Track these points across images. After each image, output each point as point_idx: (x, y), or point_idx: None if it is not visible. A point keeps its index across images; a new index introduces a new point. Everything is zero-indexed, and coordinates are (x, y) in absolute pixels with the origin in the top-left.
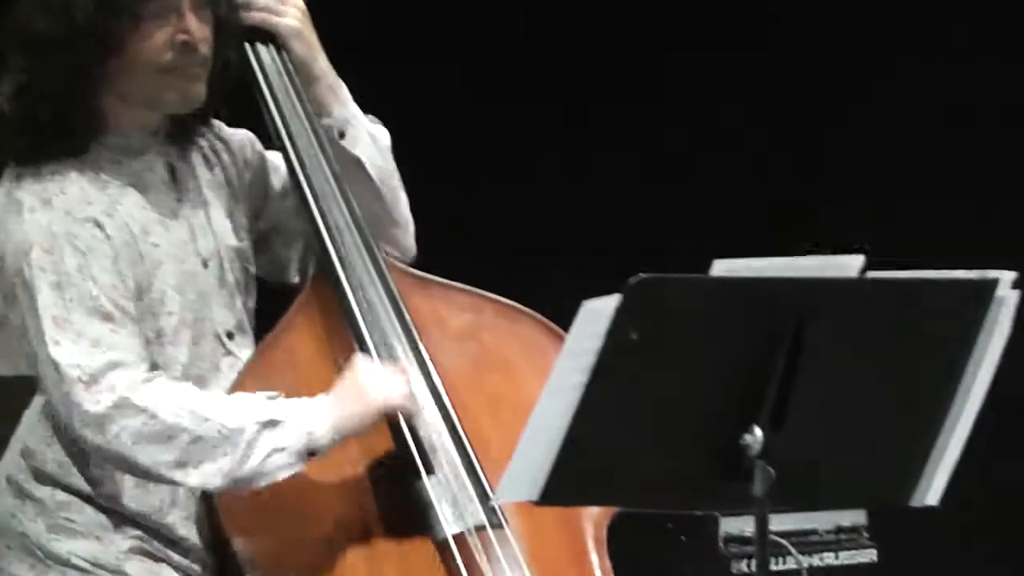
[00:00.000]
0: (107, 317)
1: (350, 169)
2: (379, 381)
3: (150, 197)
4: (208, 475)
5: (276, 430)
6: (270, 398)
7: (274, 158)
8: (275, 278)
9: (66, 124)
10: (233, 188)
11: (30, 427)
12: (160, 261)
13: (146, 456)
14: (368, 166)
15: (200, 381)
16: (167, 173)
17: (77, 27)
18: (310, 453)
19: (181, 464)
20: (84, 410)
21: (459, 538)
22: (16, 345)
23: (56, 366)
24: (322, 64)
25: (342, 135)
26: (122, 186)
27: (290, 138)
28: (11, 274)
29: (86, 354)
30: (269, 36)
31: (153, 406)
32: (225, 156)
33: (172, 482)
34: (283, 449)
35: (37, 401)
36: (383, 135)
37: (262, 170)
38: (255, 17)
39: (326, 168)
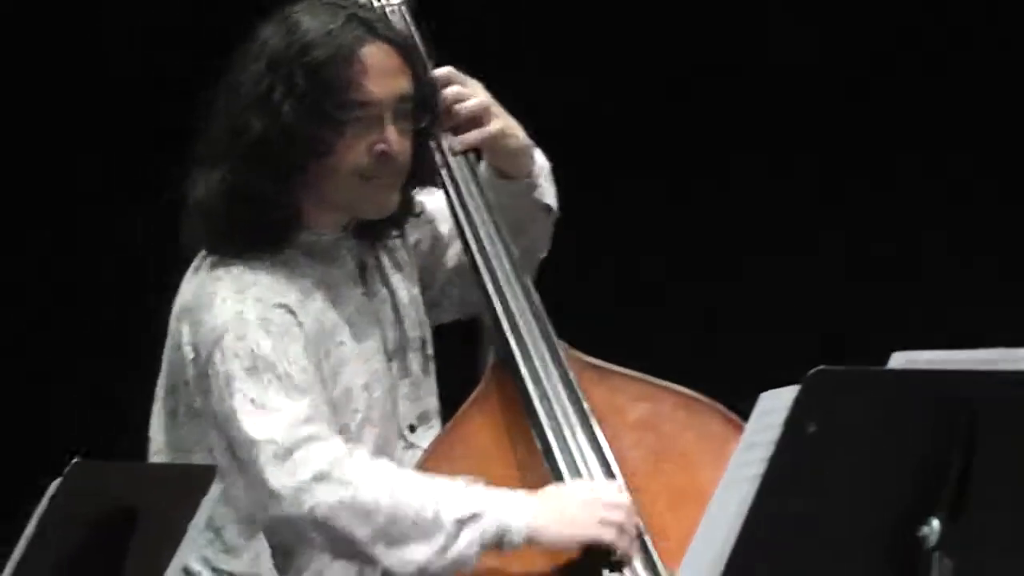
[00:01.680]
0: (302, 393)
1: (534, 213)
2: (598, 510)
3: (339, 295)
4: (403, 561)
5: (473, 524)
6: (469, 483)
7: (437, 215)
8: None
9: (266, 223)
10: (411, 269)
11: (212, 520)
12: (347, 360)
13: (343, 530)
14: (555, 209)
15: None
16: (356, 269)
17: (289, 132)
18: (497, 546)
19: (375, 541)
20: (281, 484)
21: None
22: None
23: (251, 443)
24: (519, 136)
25: (533, 188)
26: (313, 283)
27: (472, 229)
28: (203, 363)
29: (282, 429)
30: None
31: (354, 481)
32: (401, 237)
33: (368, 559)
34: (477, 542)
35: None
36: (547, 165)
37: (435, 242)
38: (469, 140)
39: (505, 258)
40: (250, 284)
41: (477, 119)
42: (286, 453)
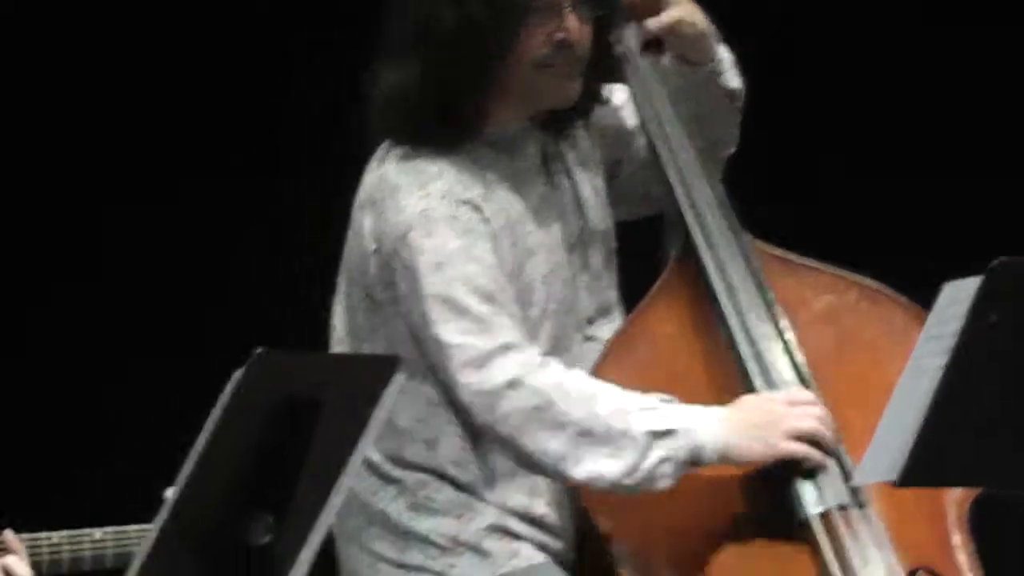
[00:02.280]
0: (490, 298)
1: (719, 101)
2: (790, 423)
3: (523, 187)
4: (593, 475)
5: (667, 440)
6: (664, 401)
7: (622, 107)
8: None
9: (453, 115)
10: (595, 162)
11: (391, 409)
12: (532, 252)
13: (532, 441)
14: (740, 93)
15: None
16: (540, 162)
17: (475, 23)
18: (692, 464)
19: (566, 456)
20: (475, 390)
21: (823, 518)
22: (392, 329)
23: (443, 346)
24: (700, 22)
25: (717, 75)
26: (497, 176)
27: (656, 121)
28: (388, 256)
29: (475, 335)
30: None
31: (547, 391)
32: (585, 130)
33: (556, 473)
34: (670, 460)
35: (397, 382)
36: (730, 56)
37: (620, 136)
38: (650, 29)
39: (690, 149)
40: (435, 178)
41: (657, 7)
42: (480, 360)
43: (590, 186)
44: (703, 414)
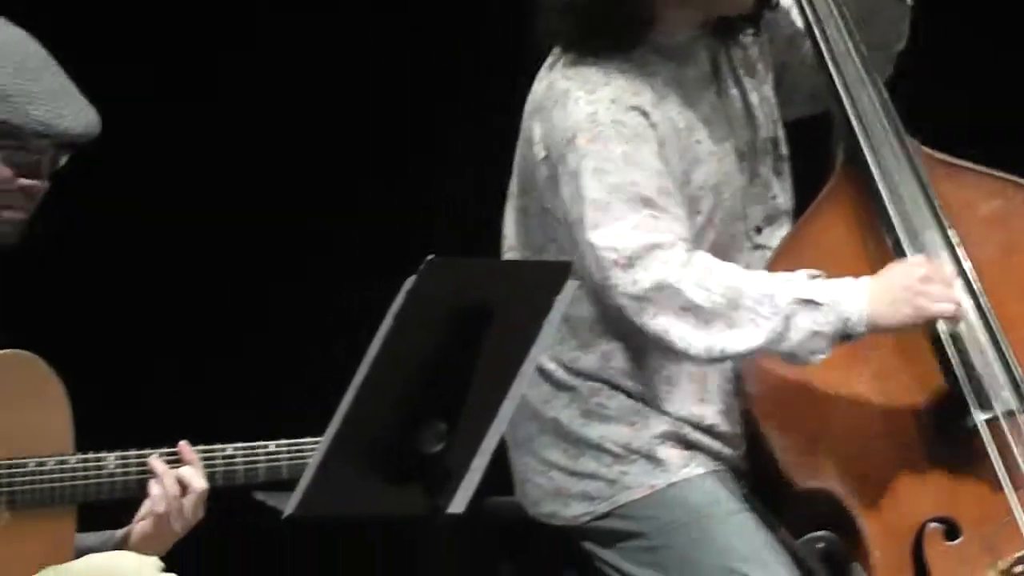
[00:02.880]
0: (648, 203)
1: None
2: (932, 287)
3: (692, 94)
4: (744, 349)
5: (814, 311)
6: (811, 276)
7: (790, 11)
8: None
9: (624, 19)
10: (764, 69)
11: (563, 318)
12: (700, 160)
13: (683, 337)
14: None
15: None
16: (710, 70)
17: None
18: (842, 338)
19: (714, 346)
20: (622, 292)
21: (990, 424)
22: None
23: (594, 248)
24: None
25: None
26: (666, 83)
27: (819, 25)
28: (554, 161)
29: (624, 237)
30: None
31: (693, 289)
32: (755, 37)
33: (711, 361)
34: (819, 333)
35: (570, 289)
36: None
37: (787, 40)
38: None
39: (855, 54)
40: (603, 84)
41: None
42: (628, 262)
43: (759, 94)
44: (848, 286)
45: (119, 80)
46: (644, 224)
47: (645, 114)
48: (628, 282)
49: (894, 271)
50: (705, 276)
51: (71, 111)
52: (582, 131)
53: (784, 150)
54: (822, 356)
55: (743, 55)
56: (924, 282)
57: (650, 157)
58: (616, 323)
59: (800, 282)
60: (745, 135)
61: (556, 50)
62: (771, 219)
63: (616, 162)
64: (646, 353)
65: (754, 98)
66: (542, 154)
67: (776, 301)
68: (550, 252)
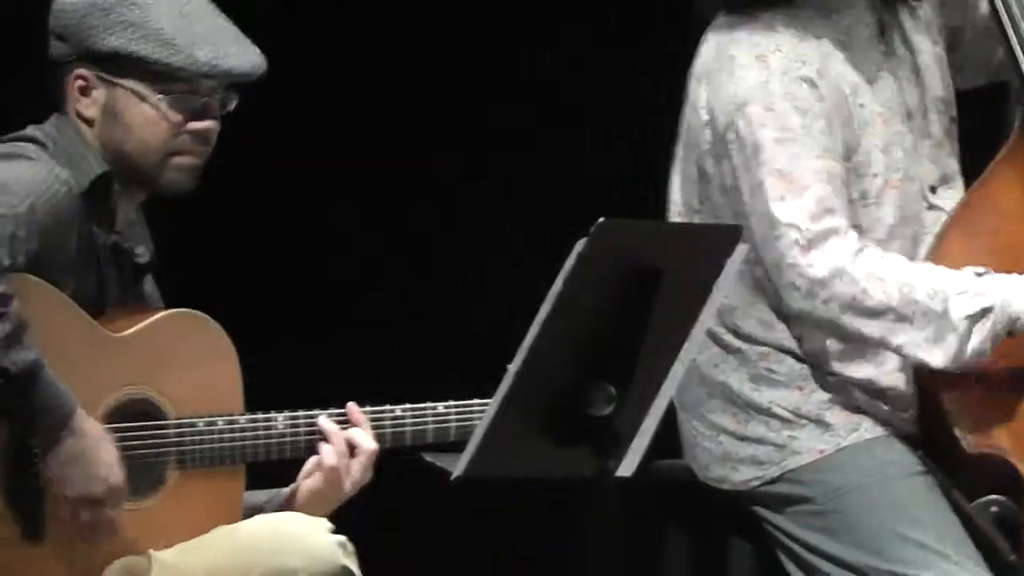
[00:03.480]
0: (829, 178)
1: None
2: None
3: (858, 54)
4: (917, 359)
5: (984, 320)
6: (978, 274)
7: None
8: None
9: None
10: (935, 29)
11: (731, 284)
12: (867, 122)
13: (851, 325)
14: None
15: (905, 239)
16: (877, 30)
17: None
18: (1009, 335)
19: (884, 340)
20: (798, 273)
21: None
22: (718, 202)
23: (775, 222)
24: None
25: None
26: (832, 43)
27: None
28: (720, 128)
29: (809, 216)
30: None
31: (865, 279)
32: None
33: (879, 347)
34: (989, 337)
35: (740, 252)
36: None
37: (960, 2)
38: None
39: None
40: (772, 51)
41: None
42: (808, 244)
43: (929, 54)
44: (1015, 284)
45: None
46: (827, 203)
47: (814, 85)
48: (805, 264)
49: None
50: (878, 268)
51: (236, 51)
52: (754, 99)
53: (954, 112)
54: (988, 355)
55: (912, 15)
56: None
57: (824, 135)
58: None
59: (970, 289)
60: (914, 94)
61: (720, 13)
62: (945, 179)
63: (796, 133)
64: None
65: (924, 58)
66: (706, 118)
67: (951, 316)
68: (704, 215)
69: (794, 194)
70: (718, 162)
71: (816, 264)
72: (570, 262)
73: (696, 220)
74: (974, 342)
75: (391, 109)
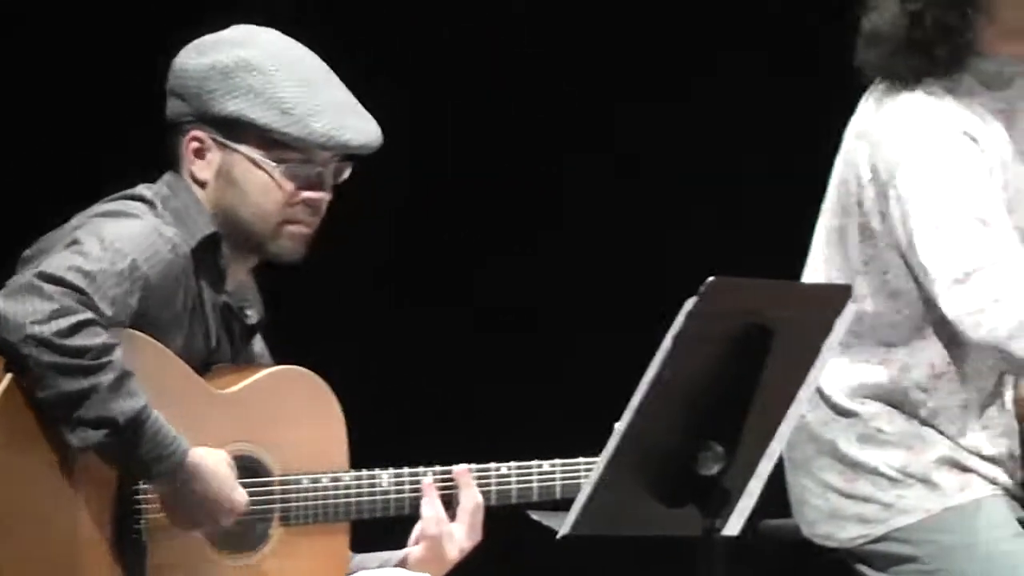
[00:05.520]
0: (983, 222)
1: None
2: None
3: (1016, 126)
4: None
5: None
6: None
7: None
8: None
9: (945, 48)
10: None
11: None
12: (1020, 198)
13: (1019, 350)
14: None
15: None
16: None
17: None
18: None
19: None
20: (960, 307)
21: None
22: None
23: (928, 268)
24: None
25: None
26: (991, 113)
27: None
28: (883, 185)
29: (960, 255)
30: None
31: (1008, 299)
32: None
33: None
34: None
35: (850, 312)
36: None
37: None
38: None
39: None
40: (932, 108)
41: None
42: (964, 277)
43: None
44: None
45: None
46: (980, 242)
47: (974, 140)
48: (964, 298)
49: None
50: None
51: (353, 123)
52: (913, 153)
53: None
54: None
55: None
56: None
57: (982, 178)
58: (933, 339)
59: None
60: None
61: (878, 79)
62: None
63: (949, 184)
64: (948, 373)
65: None
66: (868, 176)
67: None
68: (871, 273)
69: (946, 241)
70: (884, 219)
71: (975, 295)
72: (680, 319)
73: (859, 279)
74: None
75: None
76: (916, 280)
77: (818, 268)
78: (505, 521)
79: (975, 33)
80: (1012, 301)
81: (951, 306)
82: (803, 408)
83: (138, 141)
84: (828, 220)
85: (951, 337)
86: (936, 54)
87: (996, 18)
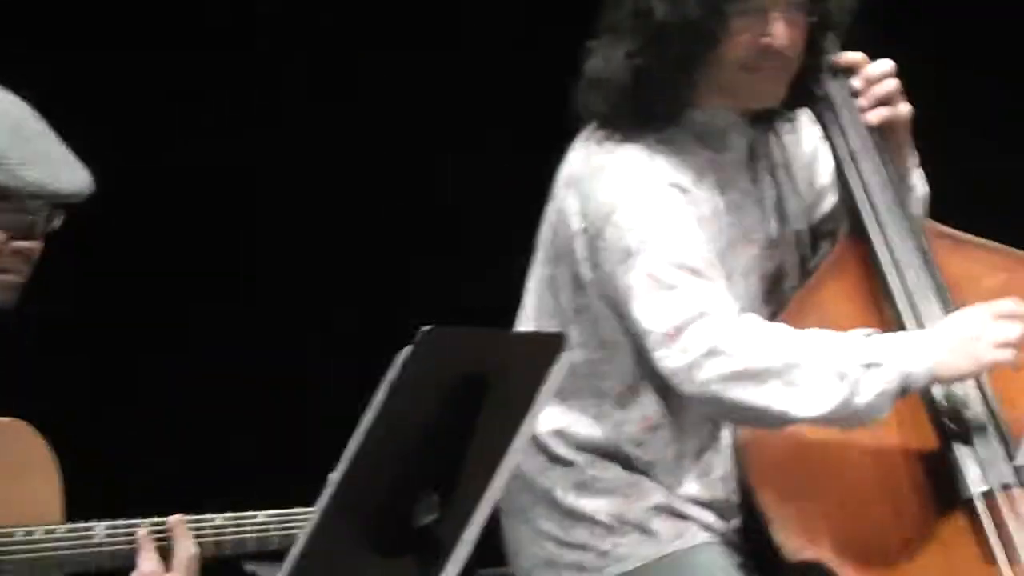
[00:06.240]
0: (694, 272)
1: None
2: (993, 332)
3: (728, 180)
4: (807, 417)
5: (878, 372)
6: (867, 335)
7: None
8: None
9: (662, 101)
10: (798, 165)
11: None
12: (732, 244)
13: (738, 399)
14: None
15: None
16: (746, 157)
17: (684, 20)
18: (904, 392)
19: (771, 406)
20: (672, 362)
21: (987, 497)
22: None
23: (641, 321)
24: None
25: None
26: (703, 166)
27: (829, 100)
28: (592, 235)
29: (671, 308)
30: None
31: (743, 351)
32: (792, 139)
33: (767, 423)
34: (884, 393)
35: (564, 361)
36: (925, 191)
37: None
38: (881, 112)
39: (863, 128)
40: (644, 161)
41: (888, 99)
42: (676, 331)
43: (792, 188)
44: (908, 341)
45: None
46: (690, 294)
47: (685, 191)
48: (677, 352)
49: (957, 320)
50: (756, 338)
51: (66, 172)
52: (623, 205)
53: (807, 248)
54: (883, 414)
55: (781, 146)
56: (984, 330)
57: (692, 229)
58: (647, 392)
59: (860, 344)
60: (774, 226)
61: (592, 124)
62: (775, 315)
63: (659, 236)
64: (663, 425)
65: (787, 189)
66: (579, 226)
67: (840, 367)
68: (583, 323)
69: (661, 293)
70: (595, 269)
71: (688, 349)
72: (393, 371)
73: (572, 328)
74: (866, 394)
75: None
76: (628, 332)
77: (531, 316)
78: (221, 572)
79: (692, 87)
80: (724, 353)
81: (663, 360)
82: (519, 457)
83: None
84: (540, 267)
85: (665, 390)
86: (654, 107)
87: (708, 78)
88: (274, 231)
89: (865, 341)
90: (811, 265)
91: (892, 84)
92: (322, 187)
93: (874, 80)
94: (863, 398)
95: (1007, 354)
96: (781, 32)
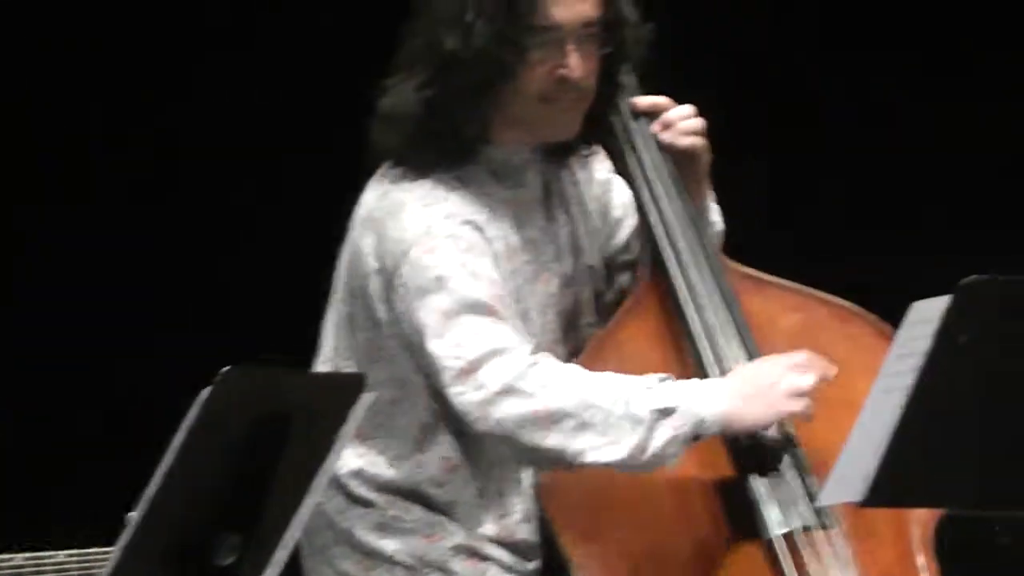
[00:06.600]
0: (488, 311)
1: None
2: (786, 384)
3: (524, 217)
4: (599, 462)
5: (669, 419)
6: (661, 380)
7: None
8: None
9: (456, 136)
10: (591, 209)
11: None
12: (529, 281)
13: (531, 440)
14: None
15: None
16: (541, 194)
17: (477, 52)
18: (694, 439)
19: (566, 449)
20: (467, 399)
21: (787, 539)
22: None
23: (436, 359)
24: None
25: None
26: (499, 204)
27: (629, 138)
28: (388, 273)
29: (466, 345)
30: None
31: (539, 391)
32: (584, 175)
33: (560, 465)
34: (676, 438)
35: (364, 401)
36: (722, 227)
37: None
38: (676, 141)
39: (665, 169)
40: (438, 199)
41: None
42: (471, 367)
43: (585, 223)
44: (702, 388)
45: None
46: (485, 331)
47: (479, 228)
48: (472, 389)
49: (752, 368)
50: (552, 380)
51: None
52: (418, 244)
53: (602, 283)
54: (674, 460)
55: (574, 183)
56: (778, 380)
57: (487, 267)
58: (445, 432)
59: (654, 389)
60: (569, 262)
61: (388, 162)
62: (576, 351)
63: (453, 273)
64: (459, 465)
65: (581, 228)
66: (375, 265)
67: (633, 411)
68: (380, 363)
69: (451, 331)
70: (391, 308)
71: (483, 387)
72: (193, 410)
73: (369, 367)
74: (659, 439)
75: None
76: (423, 371)
77: (328, 356)
78: None
79: (485, 123)
80: (521, 392)
81: (459, 399)
82: (319, 497)
83: None
84: (337, 306)
85: (463, 429)
86: (447, 144)
87: (504, 112)
88: None
89: (660, 386)
90: (607, 299)
91: (694, 123)
92: None
93: (674, 124)
94: (656, 443)
95: (800, 404)
96: (576, 63)
